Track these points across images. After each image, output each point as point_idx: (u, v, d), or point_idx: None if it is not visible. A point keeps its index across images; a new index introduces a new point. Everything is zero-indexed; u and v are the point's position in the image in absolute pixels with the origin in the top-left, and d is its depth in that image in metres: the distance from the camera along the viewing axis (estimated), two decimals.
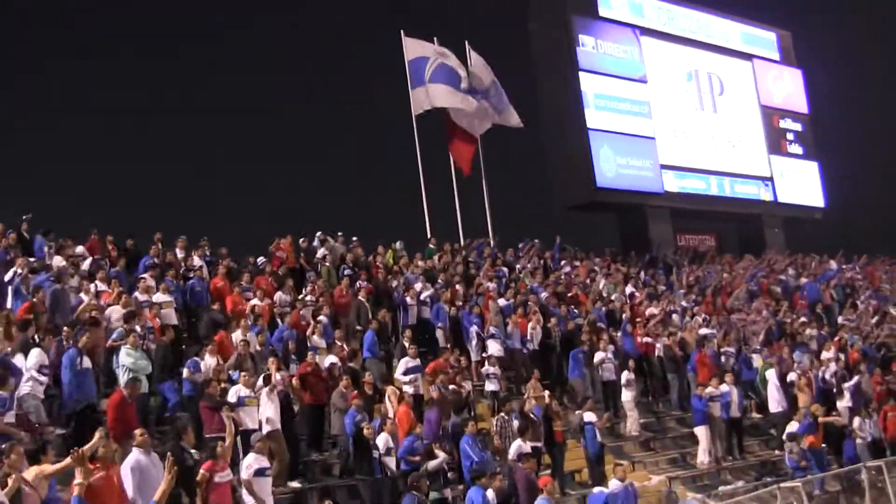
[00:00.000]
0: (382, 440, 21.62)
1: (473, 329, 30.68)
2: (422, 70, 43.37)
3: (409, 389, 25.14)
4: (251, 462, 18.62)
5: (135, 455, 16.04)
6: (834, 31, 72.68)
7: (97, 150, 62.29)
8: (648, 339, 33.59)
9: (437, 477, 21.92)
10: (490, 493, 20.45)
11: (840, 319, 41.88)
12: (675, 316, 37.19)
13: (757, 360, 33.35)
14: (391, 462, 21.52)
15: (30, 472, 14.41)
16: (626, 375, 30.75)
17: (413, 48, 43.76)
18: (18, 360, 19.68)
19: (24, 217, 28.98)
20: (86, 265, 27.58)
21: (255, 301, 28.00)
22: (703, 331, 35.31)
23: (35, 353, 19.87)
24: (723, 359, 33.64)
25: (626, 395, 30.59)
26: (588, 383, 29.97)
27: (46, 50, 65.32)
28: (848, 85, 70.91)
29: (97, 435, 14.46)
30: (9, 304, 23.32)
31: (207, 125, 67.28)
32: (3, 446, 14.66)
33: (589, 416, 26.38)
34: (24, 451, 14.85)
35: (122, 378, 20.92)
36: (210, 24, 74.28)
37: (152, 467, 15.98)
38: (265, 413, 21.44)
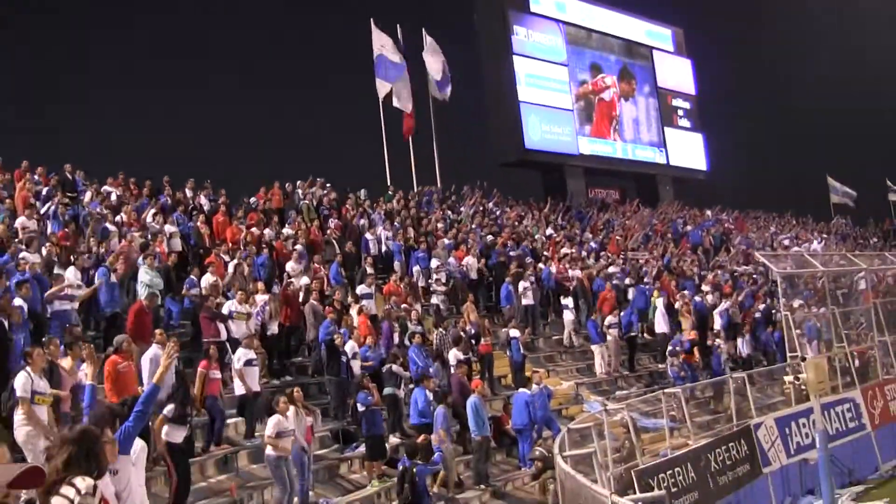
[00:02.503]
0: (349, 347, 21.55)
1: (420, 261, 30.61)
2: (380, 63, 43.26)
3: (367, 304, 24.98)
4: (240, 355, 19.23)
5: (153, 350, 17.03)
6: (717, 29, 72.93)
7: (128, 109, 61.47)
8: (564, 273, 33.43)
9: (392, 377, 21.83)
10: (428, 392, 20.91)
11: (717, 260, 42.27)
12: (584, 254, 37.23)
13: (650, 293, 33.31)
14: (356, 365, 21.43)
15: (66, 361, 15.10)
16: (564, 301, 31.36)
17: (377, 39, 43.45)
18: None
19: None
20: (113, 199, 27.30)
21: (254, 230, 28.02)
22: (612, 269, 35.32)
23: (71, 269, 20.30)
24: (622, 289, 33.73)
25: (567, 315, 31.18)
26: (515, 308, 29.81)
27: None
28: (728, 72, 71.20)
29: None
30: (48, 231, 23.15)
31: (215, 93, 66.71)
32: (44, 339, 15.53)
33: (514, 332, 26.45)
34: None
35: (142, 292, 20.83)
36: None
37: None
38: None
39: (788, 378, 26.72)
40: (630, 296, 33.38)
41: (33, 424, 13.34)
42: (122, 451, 8.18)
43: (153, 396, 9.22)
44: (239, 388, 19.27)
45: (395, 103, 43.58)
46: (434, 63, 45.03)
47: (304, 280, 25.04)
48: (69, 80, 59.03)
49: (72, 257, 21.27)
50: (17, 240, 21.26)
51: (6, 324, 16.25)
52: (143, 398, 8.97)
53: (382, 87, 43.19)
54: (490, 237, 35.06)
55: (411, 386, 21.70)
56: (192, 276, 23.32)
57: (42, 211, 24.29)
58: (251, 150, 62.64)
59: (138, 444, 8.60)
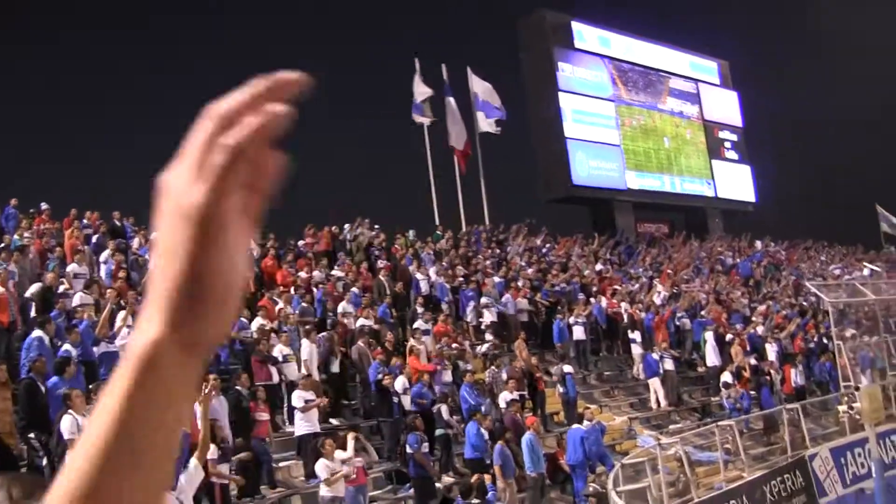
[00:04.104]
0: (400, 383, 21.79)
1: (471, 301, 30.56)
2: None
3: (419, 346, 24.97)
4: (298, 395, 19.59)
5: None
6: (763, 61, 72.89)
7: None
8: (616, 307, 33.40)
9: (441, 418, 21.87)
10: (483, 427, 21.06)
11: (768, 291, 42.10)
12: (636, 287, 37.16)
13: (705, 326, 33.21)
14: (406, 401, 21.61)
15: None
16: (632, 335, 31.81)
17: (417, 85, 43.75)
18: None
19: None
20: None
21: (301, 273, 28.18)
22: (658, 300, 35.18)
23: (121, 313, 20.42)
24: (677, 322, 33.53)
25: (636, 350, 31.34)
26: (568, 344, 29.77)
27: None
28: (773, 104, 70.95)
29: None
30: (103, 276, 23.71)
31: None
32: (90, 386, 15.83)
33: (568, 368, 26.42)
34: None
35: None
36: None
37: (219, 405, 17.09)
38: (304, 360, 22.00)
39: (842, 408, 26.52)
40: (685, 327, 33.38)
41: None
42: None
43: (185, 441, 9.37)
44: (298, 430, 19.45)
45: (451, 142, 43.83)
46: (485, 93, 45.23)
47: (361, 321, 25.24)
48: (111, 125, 59.72)
49: (121, 302, 21.33)
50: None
51: (37, 381, 16.30)
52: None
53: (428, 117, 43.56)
54: (540, 274, 35.02)
55: (462, 425, 21.73)
56: (242, 319, 23.37)
57: (100, 259, 24.57)
58: (298, 192, 62.88)
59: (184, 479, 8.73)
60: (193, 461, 9.61)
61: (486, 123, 45.36)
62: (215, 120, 1.05)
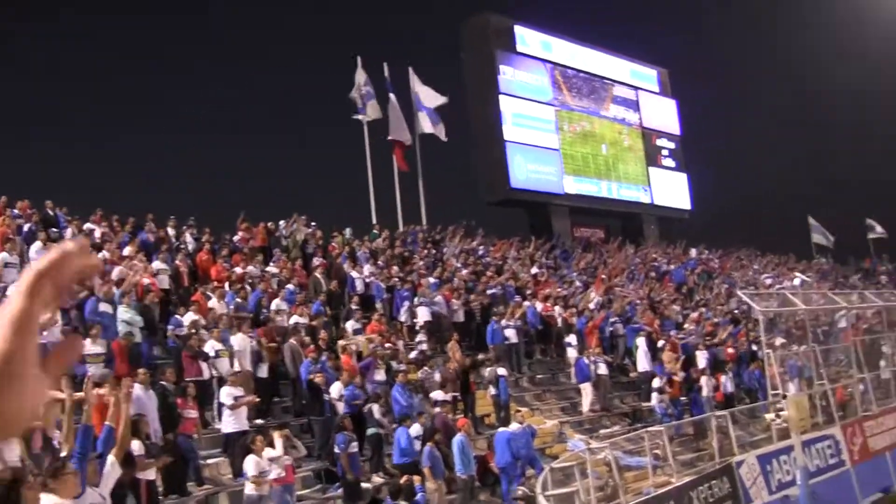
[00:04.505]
0: (335, 389, 21.67)
1: (406, 301, 30.60)
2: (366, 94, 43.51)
3: (352, 346, 24.89)
4: (228, 392, 19.48)
5: (135, 389, 16.46)
6: (702, 70, 73.53)
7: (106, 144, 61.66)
8: (550, 311, 33.51)
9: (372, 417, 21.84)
10: (413, 429, 21.04)
11: (701, 299, 42.41)
12: (570, 291, 37.29)
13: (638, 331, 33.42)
14: (339, 404, 21.46)
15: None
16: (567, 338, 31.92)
17: (359, 76, 43.69)
18: None
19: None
20: (96, 236, 27.31)
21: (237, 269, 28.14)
22: (593, 305, 35.30)
23: None
24: (610, 327, 33.68)
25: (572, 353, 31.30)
26: (501, 346, 29.83)
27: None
28: (711, 112, 71.69)
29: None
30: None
31: (200, 137, 67.11)
32: None
33: (502, 371, 26.44)
34: None
35: (121, 331, 20.72)
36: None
37: (147, 400, 17.24)
38: (237, 357, 21.93)
39: (770, 416, 26.73)
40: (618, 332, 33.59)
41: None
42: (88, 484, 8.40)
43: (108, 436, 9.32)
44: (225, 427, 19.35)
45: (392, 136, 43.91)
46: (430, 98, 45.34)
47: (294, 319, 25.16)
48: (46, 114, 59.31)
49: None
50: None
51: None
52: (101, 439, 9.05)
53: (370, 115, 43.73)
54: (474, 276, 35.11)
55: (394, 426, 21.69)
56: (176, 316, 23.23)
57: (32, 249, 24.27)
58: (236, 187, 62.83)
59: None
60: (111, 458, 9.57)
61: (434, 129, 45.43)
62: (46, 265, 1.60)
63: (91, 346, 19.05)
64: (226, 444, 19.64)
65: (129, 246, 26.63)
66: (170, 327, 22.91)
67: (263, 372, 22.80)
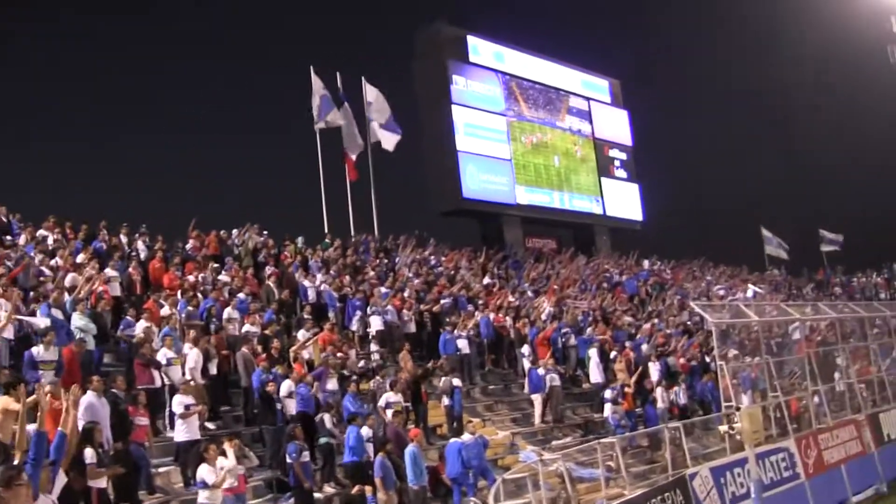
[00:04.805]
0: (285, 386, 21.79)
1: (357, 310, 30.62)
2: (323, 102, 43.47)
3: (305, 354, 24.82)
4: (179, 401, 19.46)
5: (88, 397, 16.89)
6: (653, 81, 74.07)
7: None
8: (502, 321, 33.56)
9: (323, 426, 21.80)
10: (364, 430, 21.18)
11: (653, 310, 42.58)
12: (521, 302, 37.34)
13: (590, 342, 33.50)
14: (291, 405, 21.63)
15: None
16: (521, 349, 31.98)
17: (315, 83, 43.63)
18: None
19: None
20: (49, 242, 27.22)
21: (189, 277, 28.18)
22: (544, 316, 35.35)
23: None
24: (562, 338, 33.69)
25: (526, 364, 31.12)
26: (455, 357, 29.83)
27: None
28: (663, 123, 72.05)
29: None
30: None
31: (152, 139, 66.80)
32: None
33: (456, 381, 26.49)
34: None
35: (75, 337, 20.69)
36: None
37: (101, 407, 17.17)
38: (189, 366, 21.74)
39: (723, 428, 26.76)
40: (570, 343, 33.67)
41: None
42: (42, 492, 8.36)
43: (61, 443, 9.27)
44: (177, 436, 19.30)
45: (346, 146, 44.05)
46: (381, 111, 45.43)
47: (246, 327, 25.21)
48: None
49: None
50: None
51: None
52: (53, 446, 8.98)
53: (327, 124, 43.72)
54: (425, 286, 35.15)
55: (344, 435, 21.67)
56: (128, 318, 23.18)
57: None
58: (188, 195, 62.58)
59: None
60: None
61: (387, 140, 45.46)
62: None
63: (44, 353, 18.91)
64: (177, 452, 19.55)
65: (83, 253, 26.51)
66: (121, 328, 22.99)
67: (213, 369, 22.81)
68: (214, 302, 26.47)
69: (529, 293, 39.90)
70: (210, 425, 21.57)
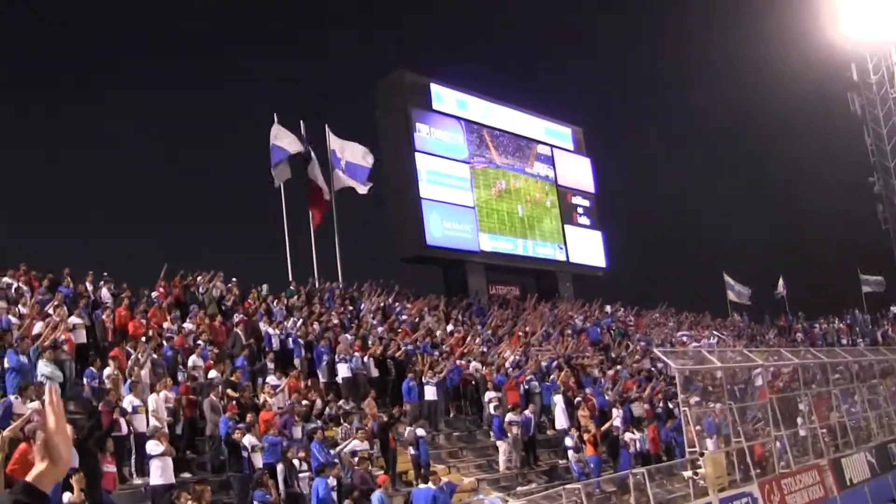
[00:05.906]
0: (248, 440, 21.87)
1: (324, 357, 30.78)
2: (281, 151, 43.57)
3: (271, 401, 24.99)
4: (152, 447, 19.74)
5: None
6: (616, 128, 74.71)
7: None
8: (467, 368, 33.86)
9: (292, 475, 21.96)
10: (330, 480, 21.39)
11: (617, 356, 42.92)
12: (485, 349, 37.61)
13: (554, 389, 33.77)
14: (257, 458, 21.83)
15: None
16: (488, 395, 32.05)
17: (276, 133, 43.84)
18: None
19: None
20: (13, 291, 27.31)
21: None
22: (508, 363, 35.61)
23: None
24: (526, 385, 33.92)
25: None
26: (418, 404, 30.05)
27: None
28: (626, 170, 72.72)
29: None
30: None
31: (118, 183, 66.88)
32: None
33: (420, 431, 26.64)
34: None
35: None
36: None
37: (74, 455, 16.76)
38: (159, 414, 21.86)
39: (687, 473, 27.12)
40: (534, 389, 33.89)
41: None
42: None
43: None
44: (153, 479, 19.56)
45: (310, 195, 44.50)
46: (358, 152, 45.93)
47: (212, 374, 25.46)
48: None
49: None
50: None
51: None
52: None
53: (282, 176, 43.75)
54: (389, 333, 35.39)
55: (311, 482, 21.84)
56: (91, 368, 23.29)
57: None
58: (152, 242, 62.62)
59: None
60: None
61: (358, 184, 45.80)
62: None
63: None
64: (153, 496, 19.68)
65: (54, 301, 26.61)
66: (85, 379, 23.06)
67: (179, 429, 22.97)
68: (179, 350, 26.68)
69: (493, 340, 40.17)
70: (185, 474, 21.73)
